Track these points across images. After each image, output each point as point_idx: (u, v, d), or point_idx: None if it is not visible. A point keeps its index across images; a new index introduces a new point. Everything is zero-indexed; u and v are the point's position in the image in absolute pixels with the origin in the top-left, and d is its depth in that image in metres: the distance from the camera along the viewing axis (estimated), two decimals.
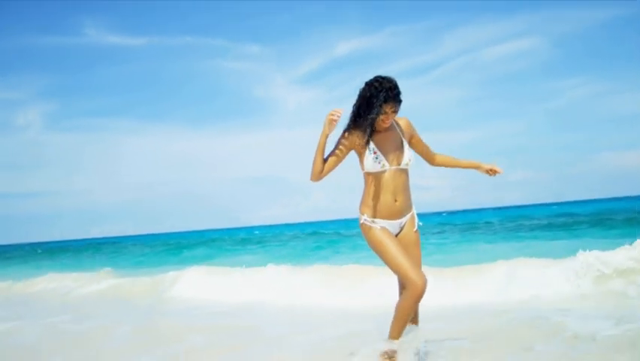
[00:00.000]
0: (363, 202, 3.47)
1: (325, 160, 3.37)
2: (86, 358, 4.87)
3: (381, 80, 3.27)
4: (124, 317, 7.11)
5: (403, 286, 3.38)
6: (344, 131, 3.40)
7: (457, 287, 6.51)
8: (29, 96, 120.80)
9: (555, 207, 60.13)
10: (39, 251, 45.77)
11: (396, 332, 3.42)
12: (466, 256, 11.06)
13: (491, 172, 3.62)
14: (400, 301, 3.37)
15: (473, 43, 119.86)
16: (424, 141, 3.63)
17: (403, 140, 3.45)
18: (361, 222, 3.44)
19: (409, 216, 3.51)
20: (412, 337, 3.51)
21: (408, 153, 3.43)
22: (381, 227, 3.40)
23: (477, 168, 3.63)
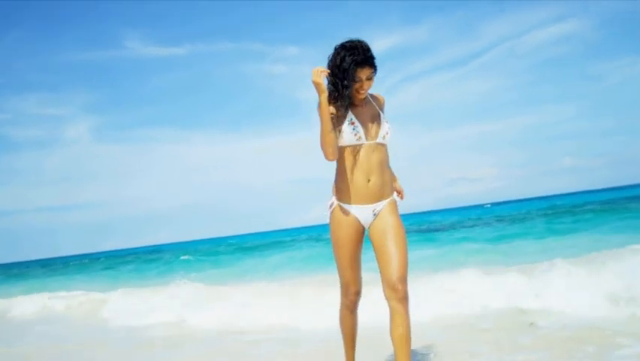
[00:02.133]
0: (334, 184, 3.17)
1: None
2: None
3: (349, 43, 2.96)
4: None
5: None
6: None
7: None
8: (77, 111, 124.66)
9: (609, 192, 57.62)
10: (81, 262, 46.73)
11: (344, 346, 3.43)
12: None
13: (398, 194, 3.34)
14: (340, 314, 3.35)
15: (513, 29, 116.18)
16: None
17: (381, 113, 3.16)
18: (329, 203, 3.17)
19: (386, 202, 3.10)
20: None
21: (385, 126, 3.10)
22: (352, 219, 3.08)
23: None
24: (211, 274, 13.80)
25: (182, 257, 26.67)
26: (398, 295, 2.89)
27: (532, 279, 5.55)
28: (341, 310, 3.33)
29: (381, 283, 2.96)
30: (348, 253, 3.14)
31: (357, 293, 3.22)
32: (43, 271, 37.31)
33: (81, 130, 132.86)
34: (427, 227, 27.47)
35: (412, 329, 2.93)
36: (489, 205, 74.05)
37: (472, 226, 23.00)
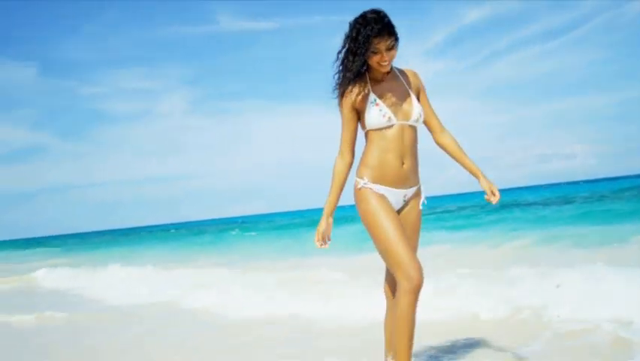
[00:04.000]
0: (362, 164, 2.91)
1: (346, 138, 2.89)
2: None
3: (364, 14, 2.70)
4: None
5: (391, 283, 2.98)
6: (340, 94, 2.84)
7: None
8: (171, 84, 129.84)
9: None
10: (173, 231, 48.15)
11: (404, 349, 2.70)
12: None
13: (487, 195, 2.88)
14: (397, 308, 2.69)
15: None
16: (430, 105, 3.02)
17: (410, 92, 2.89)
18: (358, 187, 2.87)
19: (415, 189, 2.94)
20: None
21: (417, 107, 2.85)
22: (382, 195, 2.83)
23: (477, 177, 2.97)
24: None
25: (232, 232, 27.74)
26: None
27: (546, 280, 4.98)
28: (403, 300, 2.63)
29: (385, 276, 3.02)
30: (392, 216, 2.78)
31: (421, 270, 2.64)
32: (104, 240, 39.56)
33: (174, 104, 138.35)
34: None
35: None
36: (582, 182, 69.80)
37: (543, 205, 21.06)
